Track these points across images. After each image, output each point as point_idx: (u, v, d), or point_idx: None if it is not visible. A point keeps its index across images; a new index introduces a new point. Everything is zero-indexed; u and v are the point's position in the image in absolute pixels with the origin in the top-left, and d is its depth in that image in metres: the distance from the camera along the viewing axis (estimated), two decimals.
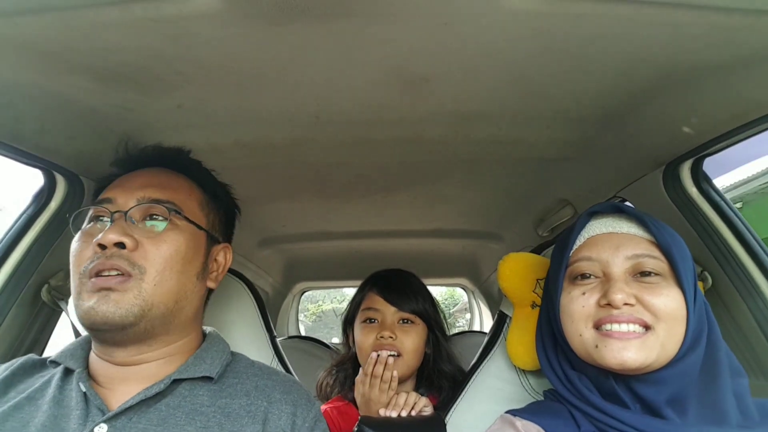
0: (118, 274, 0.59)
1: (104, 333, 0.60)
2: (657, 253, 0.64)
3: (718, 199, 0.92)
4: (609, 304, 0.62)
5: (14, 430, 0.57)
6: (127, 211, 0.63)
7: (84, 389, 0.61)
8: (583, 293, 0.65)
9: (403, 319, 1.08)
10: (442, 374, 1.09)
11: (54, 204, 0.97)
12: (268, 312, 1.03)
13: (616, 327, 0.61)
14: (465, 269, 2.48)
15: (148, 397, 0.60)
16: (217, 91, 0.75)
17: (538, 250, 0.92)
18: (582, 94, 0.78)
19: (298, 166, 1.06)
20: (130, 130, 0.87)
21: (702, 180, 0.93)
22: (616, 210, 0.70)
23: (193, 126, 0.87)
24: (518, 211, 1.49)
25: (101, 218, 0.65)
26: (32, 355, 0.70)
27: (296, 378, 0.76)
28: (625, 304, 0.61)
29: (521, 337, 0.84)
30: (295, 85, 0.73)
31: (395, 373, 0.97)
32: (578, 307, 0.65)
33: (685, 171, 0.93)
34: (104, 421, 0.57)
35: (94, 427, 0.56)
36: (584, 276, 0.66)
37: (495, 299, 2.45)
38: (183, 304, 0.65)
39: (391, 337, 1.04)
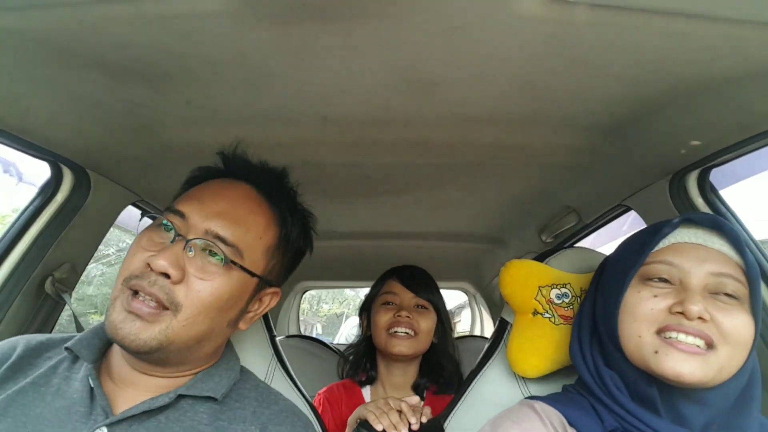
0: (152, 302, 0.59)
1: (121, 347, 0.60)
2: (741, 277, 0.61)
3: (724, 210, 0.91)
4: (682, 313, 0.59)
5: (15, 418, 0.57)
6: (189, 240, 0.61)
7: (92, 385, 0.61)
8: (655, 296, 0.62)
9: (418, 305, 1.19)
10: (442, 369, 1.19)
11: (60, 196, 0.97)
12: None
13: (682, 337, 0.59)
14: (467, 273, 2.47)
15: (152, 408, 0.60)
16: (226, 89, 0.75)
17: (540, 258, 0.92)
18: (590, 101, 0.77)
19: (304, 166, 1.06)
20: (138, 124, 0.88)
21: (708, 191, 0.93)
22: (713, 224, 0.65)
23: (201, 123, 0.87)
24: (522, 217, 1.48)
25: (167, 229, 0.63)
26: (35, 335, 0.69)
27: (296, 407, 0.73)
28: (700, 317, 0.58)
29: (522, 345, 0.83)
30: (303, 84, 0.73)
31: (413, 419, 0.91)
32: (646, 308, 0.62)
33: (691, 181, 0.93)
34: (106, 425, 0.57)
35: (95, 429, 0.57)
36: (660, 279, 0.64)
37: (497, 304, 2.44)
38: (204, 344, 0.65)
39: (408, 317, 1.14)
